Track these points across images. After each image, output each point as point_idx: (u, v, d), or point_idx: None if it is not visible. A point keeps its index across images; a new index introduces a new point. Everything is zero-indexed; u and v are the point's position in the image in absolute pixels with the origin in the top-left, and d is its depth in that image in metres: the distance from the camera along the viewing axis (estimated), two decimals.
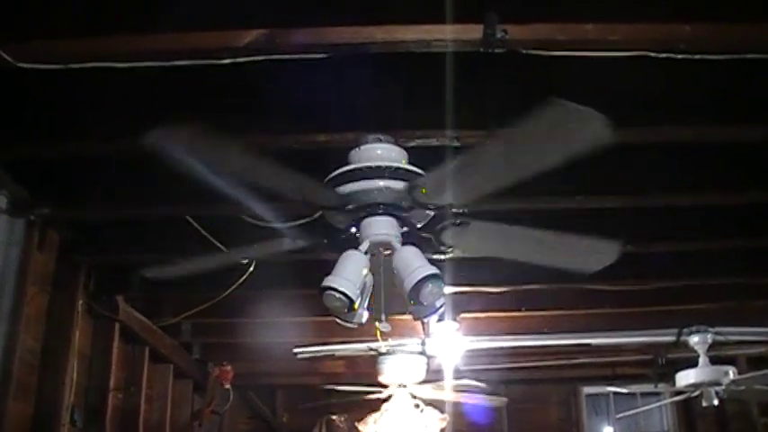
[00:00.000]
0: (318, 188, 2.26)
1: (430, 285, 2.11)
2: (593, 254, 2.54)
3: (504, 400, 6.07)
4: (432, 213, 2.32)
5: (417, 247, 2.26)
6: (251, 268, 3.81)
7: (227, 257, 3.08)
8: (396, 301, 2.28)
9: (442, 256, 2.89)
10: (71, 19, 2.29)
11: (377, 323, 2.36)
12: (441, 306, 2.24)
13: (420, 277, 2.09)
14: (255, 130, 2.79)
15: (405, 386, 5.45)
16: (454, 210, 2.29)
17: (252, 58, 2.30)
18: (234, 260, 3.03)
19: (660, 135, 2.97)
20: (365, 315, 2.31)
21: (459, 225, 2.32)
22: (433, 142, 2.78)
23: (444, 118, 2.53)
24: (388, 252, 2.28)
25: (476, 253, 2.62)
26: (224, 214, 3.43)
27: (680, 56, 2.38)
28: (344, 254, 2.22)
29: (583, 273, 2.61)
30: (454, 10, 2.16)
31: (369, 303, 2.30)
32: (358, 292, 2.15)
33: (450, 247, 2.44)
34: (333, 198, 2.27)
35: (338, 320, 2.28)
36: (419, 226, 2.37)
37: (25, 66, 2.32)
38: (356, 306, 2.17)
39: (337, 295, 2.11)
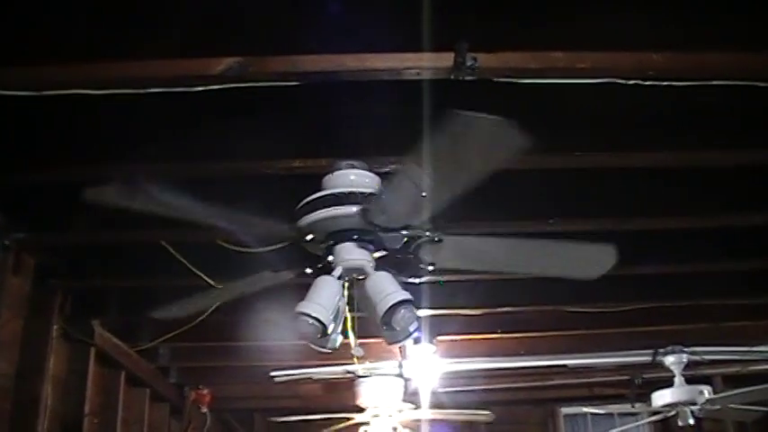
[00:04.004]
0: (278, 224, 2.30)
1: (402, 311, 2.13)
2: (592, 260, 2.58)
3: (490, 414, 6.05)
4: (405, 235, 2.34)
5: (394, 271, 2.29)
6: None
7: (223, 293, 3.08)
8: (372, 324, 2.30)
9: (424, 278, 2.92)
10: (45, 46, 2.30)
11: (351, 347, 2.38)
12: (414, 331, 2.25)
13: (392, 303, 2.11)
14: (230, 156, 2.81)
15: (382, 409, 5.44)
16: (425, 230, 2.31)
17: (225, 86, 2.32)
18: (231, 296, 3.03)
19: (633, 159, 3.01)
20: (339, 339, 2.33)
21: (432, 243, 2.34)
22: (406, 168, 2.79)
23: (418, 144, 2.55)
24: (361, 277, 2.30)
25: (460, 266, 2.64)
26: (201, 240, 3.44)
27: (648, 83, 2.43)
28: (318, 279, 2.25)
29: (587, 279, 2.65)
30: (426, 38, 2.18)
31: (342, 328, 2.33)
32: (331, 317, 2.17)
33: (430, 264, 2.46)
34: (294, 231, 2.30)
35: (311, 345, 2.29)
36: (395, 248, 2.39)
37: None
38: (329, 331, 2.19)
39: (310, 321, 2.13)
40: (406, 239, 2.35)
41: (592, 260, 2.60)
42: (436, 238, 2.34)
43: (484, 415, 5.85)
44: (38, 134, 2.83)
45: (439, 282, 3.73)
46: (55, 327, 4.03)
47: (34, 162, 2.91)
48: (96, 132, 2.80)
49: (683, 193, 3.38)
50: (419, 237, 2.33)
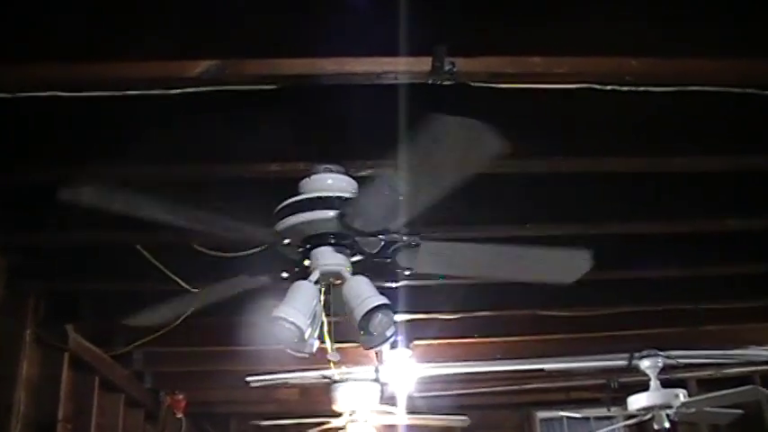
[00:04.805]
0: (255, 228, 2.29)
1: (380, 315, 2.13)
2: (567, 265, 2.58)
3: (466, 419, 6.05)
4: (381, 240, 2.34)
5: (370, 275, 2.28)
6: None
7: (199, 298, 3.05)
8: (349, 329, 2.29)
9: (401, 282, 2.91)
10: (22, 47, 2.28)
11: (327, 353, 2.37)
12: (391, 335, 2.25)
13: (369, 307, 2.11)
14: (206, 159, 2.79)
15: (359, 413, 5.43)
16: (402, 234, 2.31)
17: (202, 89, 2.30)
18: (207, 301, 3.01)
19: (611, 164, 3.03)
20: (315, 344, 2.32)
21: (409, 248, 2.34)
22: (383, 173, 2.80)
23: (396, 148, 2.55)
24: (338, 282, 2.29)
25: (436, 271, 2.64)
26: (176, 243, 3.41)
27: (625, 88, 2.44)
28: (294, 284, 2.24)
29: (563, 283, 2.66)
30: (404, 43, 2.18)
31: (319, 333, 2.32)
32: (308, 321, 2.16)
33: (407, 269, 2.45)
34: (271, 235, 2.29)
35: (288, 350, 2.28)
36: (372, 252, 2.38)
37: None
38: (306, 336, 2.18)
39: (287, 325, 2.12)
40: (383, 244, 2.35)
41: (567, 265, 2.61)
42: (413, 243, 2.34)
43: (460, 420, 5.85)
44: (11, 134, 2.80)
45: (439, 276, 3.72)
46: (28, 331, 3.99)
47: (7, 162, 2.87)
48: (71, 133, 2.78)
49: (659, 198, 3.41)
50: (396, 241, 2.33)
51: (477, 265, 2.60)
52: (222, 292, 2.69)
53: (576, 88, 2.41)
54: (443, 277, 3.81)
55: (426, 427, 5.83)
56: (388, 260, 2.39)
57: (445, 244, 2.44)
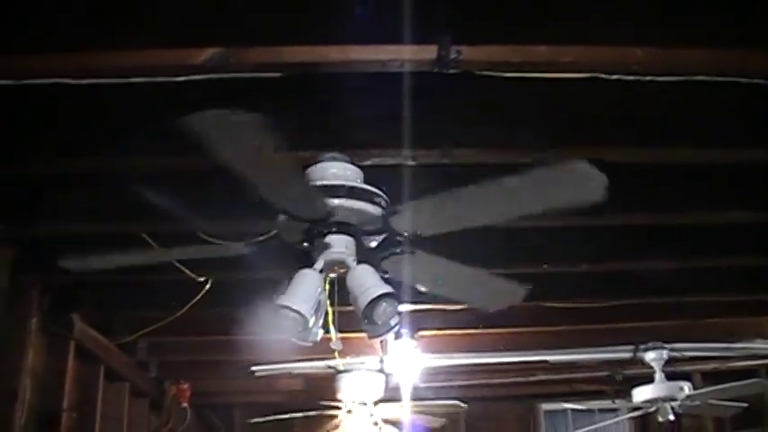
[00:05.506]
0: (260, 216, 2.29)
1: (384, 304, 2.12)
2: (499, 293, 2.62)
3: (463, 405, 6.05)
4: (383, 236, 2.34)
5: (376, 264, 2.28)
6: (207, 286, 3.80)
7: (154, 256, 3.03)
8: (353, 318, 2.29)
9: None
10: (26, 36, 2.28)
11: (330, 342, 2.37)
12: (395, 325, 2.24)
13: (374, 296, 2.10)
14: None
15: (363, 404, 5.44)
16: (410, 238, 2.31)
17: (207, 76, 2.30)
18: (165, 258, 2.97)
19: (615, 155, 3.01)
20: (319, 333, 2.32)
21: (403, 253, 2.35)
22: (389, 161, 2.80)
23: (401, 137, 2.55)
24: (342, 270, 2.29)
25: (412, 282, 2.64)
26: (180, 231, 3.41)
27: (631, 77, 2.43)
28: (299, 272, 2.23)
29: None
30: (409, 31, 2.18)
31: (323, 321, 2.32)
32: (312, 310, 2.16)
33: (385, 273, 2.43)
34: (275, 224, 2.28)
35: (292, 338, 2.28)
36: (371, 246, 2.39)
37: None
38: (310, 324, 2.18)
39: (291, 314, 2.12)
40: (382, 240, 2.36)
41: (501, 293, 2.64)
42: (406, 251, 2.34)
43: (457, 406, 5.86)
44: (15, 125, 2.80)
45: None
46: (33, 320, 3.99)
47: (10, 153, 2.88)
48: (74, 124, 2.77)
49: (667, 190, 3.40)
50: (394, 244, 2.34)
51: (447, 285, 2.63)
52: (185, 254, 2.66)
53: (581, 77, 2.41)
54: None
55: (428, 415, 5.83)
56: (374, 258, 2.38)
57: (437, 259, 2.44)
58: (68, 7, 2.24)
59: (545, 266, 3.68)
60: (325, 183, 2.28)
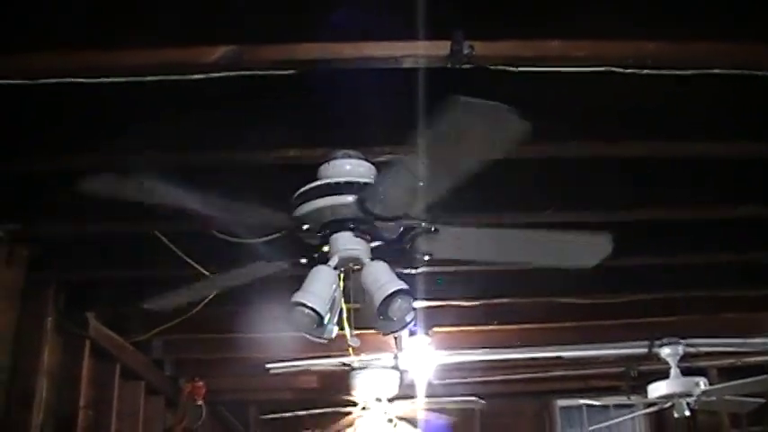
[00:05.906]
0: (274, 214, 2.29)
1: (399, 301, 2.11)
2: (587, 249, 2.56)
3: (480, 401, 6.05)
4: (401, 225, 2.33)
5: (389, 261, 2.27)
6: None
7: (217, 283, 3.05)
8: (367, 315, 2.28)
9: (419, 268, 2.91)
10: (38, 34, 2.28)
11: (347, 338, 2.37)
12: (410, 321, 2.24)
13: (388, 292, 2.09)
14: (225, 145, 2.80)
15: (378, 401, 5.44)
16: (421, 220, 2.30)
17: (220, 74, 2.30)
18: (224, 286, 3.00)
19: (630, 149, 3.01)
20: (335, 330, 2.31)
21: (429, 233, 2.33)
22: (403, 157, 2.78)
23: (414, 133, 2.54)
24: (357, 267, 2.29)
25: (456, 257, 2.62)
26: (194, 230, 3.42)
27: (645, 71, 2.42)
28: (314, 269, 2.23)
29: (583, 267, 2.62)
30: (423, 27, 2.17)
31: (338, 318, 2.31)
32: (327, 307, 2.16)
33: (426, 254, 2.43)
34: (290, 221, 2.29)
35: (307, 336, 2.28)
36: (393, 238, 2.37)
37: None
38: (325, 321, 2.17)
39: (306, 311, 2.12)
40: (402, 229, 2.34)
41: (587, 249, 2.58)
42: (433, 228, 2.32)
43: (474, 402, 5.86)
44: (30, 124, 2.81)
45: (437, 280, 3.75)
46: (49, 319, 4.01)
47: (26, 152, 2.89)
48: (89, 121, 2.78)
49: (680, 184, 3.38)
50: (415, 227, 2.32)
51: (496, 250, 2.58)
52: (239, 278, 2.69)
53: (594, 71, 2.40)
54: (441, 281, 3.85)
55: (444, 411, 5.83)
56: (407, 246, 2.38)
57: (465, 230, 2.43)
58: (79, 5, 2.24)
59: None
60: (338, 180, 2.28)
